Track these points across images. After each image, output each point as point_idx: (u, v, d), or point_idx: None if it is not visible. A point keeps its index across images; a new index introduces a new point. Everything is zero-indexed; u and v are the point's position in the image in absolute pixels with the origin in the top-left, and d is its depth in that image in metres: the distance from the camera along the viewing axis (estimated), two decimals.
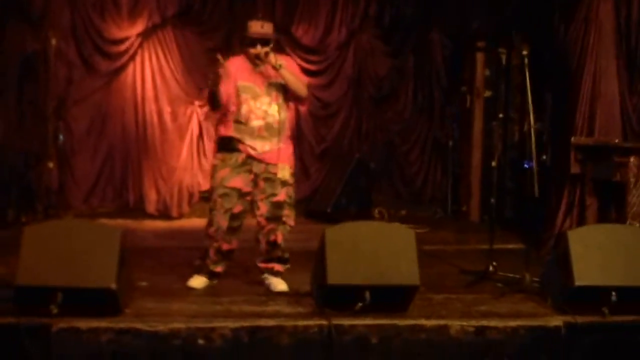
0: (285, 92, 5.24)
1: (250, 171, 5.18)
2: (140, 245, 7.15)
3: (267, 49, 5.09)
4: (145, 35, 9.22)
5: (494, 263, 5.80)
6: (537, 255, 6.34)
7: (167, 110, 9.29)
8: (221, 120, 5.32)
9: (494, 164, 7.12)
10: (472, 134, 9.50)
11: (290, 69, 5.22)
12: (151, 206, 9.14)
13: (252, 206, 5.27)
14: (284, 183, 5.22)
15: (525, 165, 8.19)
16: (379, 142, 10.09)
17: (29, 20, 8.44)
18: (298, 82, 5.23)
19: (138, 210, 9.15)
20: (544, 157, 7.67)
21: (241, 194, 5.17)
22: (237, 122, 5.18)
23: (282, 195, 5.22)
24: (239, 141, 5.16)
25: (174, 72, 9.28)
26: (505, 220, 8.41)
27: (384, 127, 10.13)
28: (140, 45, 9.24)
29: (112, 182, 9.29)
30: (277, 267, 5.37)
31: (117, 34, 9.13)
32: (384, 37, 10.02)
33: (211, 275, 5.33)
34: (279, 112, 5.20)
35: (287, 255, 5.41)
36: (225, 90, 5.10)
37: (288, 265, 5.43)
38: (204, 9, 9.18)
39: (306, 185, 9.80)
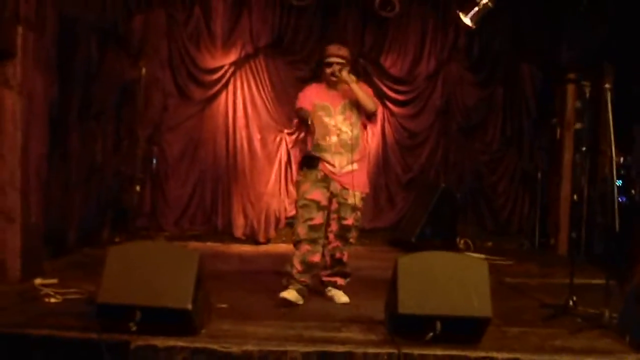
0: (358, 111, 5.71)
1: (327, 188, 5.67)
2: (226, 269, 7.38)
3: (340, 66, 5.60)
4: (238, 64, 9.49)
5: (574, 297, 5.70)
6: (621, 291, 6.19)
7: (257, 137, 9.50)
8: (303, 142, 5.94)
9: (575, 197, 7.01)
10: (562, 166, 9.38)
11: (364, 89, 5.71)
12: (239, 230, 9.35)
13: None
14: (353, 208, 5.69)
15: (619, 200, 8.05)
16: (466, 173, 10.06)
17: (127, 49, 8.84)
18: (367, 97, 5.68)
19: (226, 234, 9.38)
20: (633, 191, 7.51)
21: (320, 207, 5.63)
22: (316, 140, 5.71)
23: (350, 219, 5.70)
24: (319, 159, 5.67)
25: (265, 101, 9.50)
26: (593, 255, 8.24)
27: (472, 157, 10.09)
28: (233, 74, 9.51)
29: (202, 206, 9.53)
30: (340, 280, 5.90)
31: (211, 63, 9.42)
32: (472, 68, 10.03)
33: (300, 289, 5.64)
34: (352, 129, 5.67)
35: (349, 269, 5.93)
36: (306, 100, 5.76)
37: (349, 279, 5.92)
38: (296, 40, 9.38)
39: (392, 214, 9.88)
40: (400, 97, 9.88)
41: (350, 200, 5.65)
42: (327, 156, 5.64)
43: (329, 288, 5.89)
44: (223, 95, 9.53)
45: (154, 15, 9.18)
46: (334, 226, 5.70)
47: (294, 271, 5.64)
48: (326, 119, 5.66)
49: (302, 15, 9.33)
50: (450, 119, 10.03)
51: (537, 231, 9.75)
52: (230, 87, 9.52)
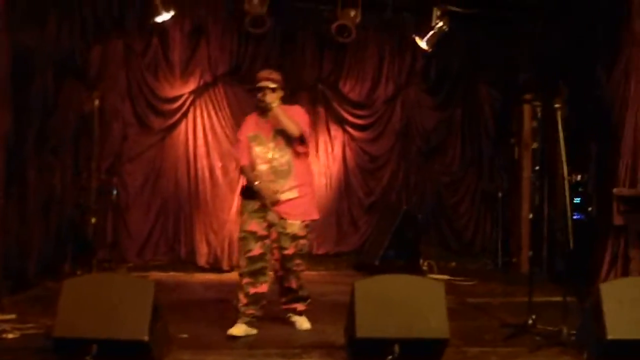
0: (288, 136, 5.58)
1: (264, 218, 5.54)
2: (189, 298, 7.36)
3: (271, 89, 5.50)
4: (197, 93, 9.49)
5: (534, 316, 5.75)
6: (580, 308, 6.25)
7: (218, 165, 9.49)
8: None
9: (531, 216, 7.10)
10: (521, 185, 9.49)
11: (292, 114, 5.59)
12: (202, 259, 9.29)
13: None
14: (293, 237, 5.57)
15: (575, 217, 8.15)
16: (428, 195, 10.14)
17: (85, 80, 8.80)
18: (290, 122, 5.53)
19: (190, 263, 9.31)
20: (590, 208, 7.62)
21: (257, 237, 5.51)
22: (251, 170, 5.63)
23: (291, 249, 5.58)
24: (256, 190, 5.54)
25: (225, 128, 9.49)
26: (555, 272, 8.32)
27: (433, 179, 10.19)
28: (192, 103, 9.50)
29: (164, 235, 9.47)
30: (299, 307, 5.84)
31: (170, 92, 9.40)
32: (430, 91, 10.15)
33: (249, 322, 5.52)
34: (281, 155, 5.59)
35: (306, 293, 5.84)
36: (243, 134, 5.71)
37: (309, 301, 5.87)
38: (254, 67, 9.34)
39: (355, 238, 9.91)
40: (359, 122, 9.96)
41: (289, 230, 5.54)
42: (262, 185, 5.55)
43: (290, 315, 5.86)
44: (183, 124, 9.52)
45: (112, 45, 9.16)
46: (276, 254, 5.64)
47: (240, 305, 5.53)
48: (257, 149, 5.60)
49: (259, 43, 9.37)
50: (410, 142, 10.12)
51: (500, 250, 9.84)
52: (190, 115, 9.52)
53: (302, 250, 5.65)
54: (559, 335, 5.34)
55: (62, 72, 8.19)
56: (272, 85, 5.53)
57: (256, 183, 5.51)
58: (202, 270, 9.19)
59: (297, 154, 5.65)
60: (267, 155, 5.57)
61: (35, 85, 7.57)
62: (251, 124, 5.71)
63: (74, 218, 8.62)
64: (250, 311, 5.53)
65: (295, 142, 5.63)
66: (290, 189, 5.57)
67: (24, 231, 7.35)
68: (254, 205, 5.55)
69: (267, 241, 5.56)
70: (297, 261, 5.62)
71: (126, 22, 9.11)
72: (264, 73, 5.65)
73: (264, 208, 5.52)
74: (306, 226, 5.64)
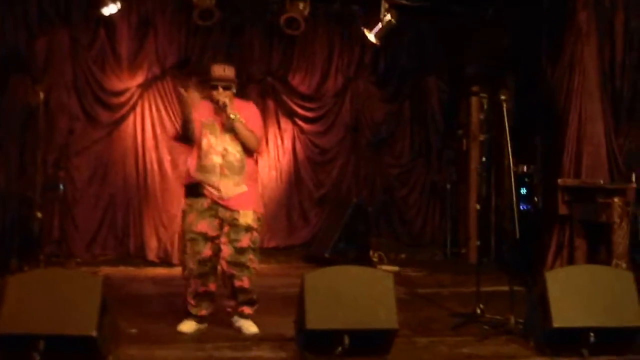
0: None
1: (215, 216, 5.28)
2: (138, 292, 7.28)
3: (225, 100, 5.24)
4: (145, 86, 9.39)
5: (481, 305, 5.85)
6: (527, 296, 6.36)
7: (167, 158, 9.41)
8: (187, 167, 5.45)
9: (478, 207, 7.20)
10: (469, 177, 9.61)
11: (248, 118, 5.36)
12: (152, 253, 9.20)
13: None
14: (247, 229, 5.29)
15: (522, 207, 8.28)
16: (378, 187, 10.22)
17: (30, 73, 8.65)
18: (250, 136, 5.34)
19: (139, 258, 9.20)
20: (536, 199, 7.75)
21: (207, 238, 5.27)
22: (200, 161, 5.32)
23: (245, 240, 5.29)
24: (204, 186, 5.27)
25: (174, 122, 9.40)
26: (503, 262, 8.44)
27: (382, 171, 10.26)
28: (140, 96, 9.41)
29: (113, 230, 9.36)
30: (247, 309, 5.48)
31: (118, 85, 9.29)
32: (379, 84, 10.21)
33: (199, 319, 5.41)
34: (238, 151, 5.33)
35: (255, 296, 5.49)
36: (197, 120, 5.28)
37: (256, 306, 5.53)
38: (202, 60, 9.33)
39: (305, 230, 9.94)
40: (309, 114, 9.99)
41: (242, 220, 5.26)
42: (212, 179, 5.27)
43: (236, 318, 5.49)
44: (131, 117, 9.41)
45: (57, 38, 8.99)
46: (226, 252, 5.28)
47: (189, 306, 5.38)
48: (211, 139, 5.29)
49: (208, 35, 9.31)
50: (359, 135, 10.17)
51: (449, 241, 9.96)
52: (138, 109, 9.42)
53: (255, 244, 5.35)
54: (506, 324, 5.45)
55: (7, 66, 8.07)
56: (226, 85, 5.31)
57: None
58: (152, 264, 9.07)
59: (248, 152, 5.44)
60: (222, 147, 5.29)
61: None
62: (207, 109, 5.34)
63: (19, 213, 8.47)
64: (202, 312, 5.39)
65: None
66: (241, 184, 5.32)
67: None
68: (203, 203, 5.27)
69: (217, 241, 5.29)
70: (251, 256, 5.32)
71: (72, 14, 8.97)
72: (218, 70, 5.39)
73: (214, 205, 5.26)
74: (258, 219, 5.38)
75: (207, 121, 5.32)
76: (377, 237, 9.80)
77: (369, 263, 8.80)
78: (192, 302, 5.36)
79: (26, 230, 8.45)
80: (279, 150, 9.91)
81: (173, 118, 9.42)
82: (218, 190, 5.27)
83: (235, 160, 5.32)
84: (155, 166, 9.40)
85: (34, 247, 8.23)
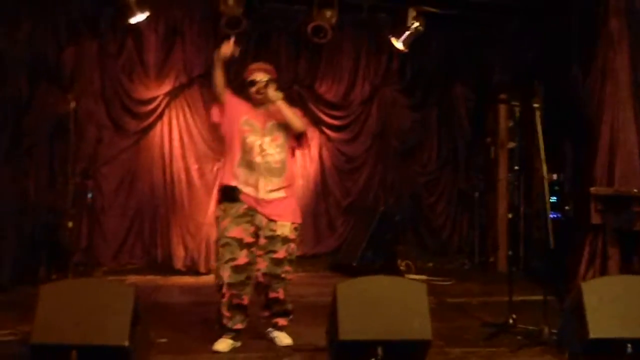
0: (286, 133, 5.27)
1: (251, 223, 5.13)
2: (166, 301, 7.29)
3: (266, 79, 5.21)
4: (172, 94, 9.42)
5: (514, 316, 5.77)
6: (560, 307, 6.28)
7: (194, 167, 9.42)
8: (223, 168, 5.38)
9: (510, 215, 7.12)
10: (497, 185, 9.51)
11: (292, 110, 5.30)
12: (179, 262, 9.20)
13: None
14: (284, 240, 5.17)
15: (552, 216, 8.18)
16: (405, 195, 10.15)
17: (59, 83, 8.70)
18: (295, 115, 5.25)
19: (166, 266, 9.20)
20: (567, 207, 7.66)
21: (243, 245, 5.09)
22: (239, 160, 5.19)
23: (282, 252, 5.17)
24: (240, 191, 5.13)
25: (200, 130, 9.43)
26: (532, 271, 8.35)
27: (409, 179, 10.19)
28: (168, 105, 9.43)
29: (140, 238, 9.39)
30: (281, 321, 5.39)
31: (145, 94, 9.32)
32: (407, 91, 10.16)
33: (234, 335, 5.21)
34: (279, 152, 5.22)
35: (290, 307, 5.40)
36: (231, 106, 5.21)
37: (291, 317, 5.44)
38: (229, 69, 9.29)
39: (332, 239, 9.89)
40: (336, 122, 9.95)
41: (280, 232, 5.13)
42: (251, 178, 5.14)
43: (270, 329, 5.41)
44: (158, 126, 9.44)
45: (86, 47, 9.05)
46: (261, 264, 5.15)
47: (224, 320, 5.16)
48: (252, 138, 5.16)
49: (235, 44, 9.28)
50: (386, 142, 10.12)
51: (477, 250, 9.86)
52: (165, 117, 9.44)
53: (292, 255, 5.23)
54: (540, 335, 5.38)
55: (36, 75, 8.12)
56: (265, 78, 5.23)
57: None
58: (179, 273, 9.07)
59: (289, 153, 5.34)
60: (262, 148, 5.15)
61: (9, 88, 7.50)
62: (245, 106, 5.26)
63: (48, 222, 8.50)
64: (237, 326, 5.18)
65: (292, 139, 5.33)
66: (279, 189, 5.19)
67: None
68: (239, 208, 5.10)
69: (253, 249, 5.13)
70: (287, 267, 5.20)
71: (100, 23, 9.03)
72: (256, 65, 5.40)
73: (250, 210, 5.10)
74: (295, 229, 5.24)
75: (246, 118, 5.21)
76: (405, 246, 9.73)
77: (397, 272, 8.74)
78: (227, 314, 5.14)
79: (55, 238, 8.50)
80: (305, 158, 9.87)
81: (200, 126, 9.43)
82: (255, 189, 5.14)
83: (275, 161, 5.18)
84: (183, 175, 9.40)
85: (63, 255, 8.27)
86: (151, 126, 9.41)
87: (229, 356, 4.97)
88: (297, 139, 5.37)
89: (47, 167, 8.55)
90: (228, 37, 5.15)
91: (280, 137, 5.24)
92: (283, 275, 5.22)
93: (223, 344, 5.15)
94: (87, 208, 8.95)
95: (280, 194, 5.21)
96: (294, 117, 5.23)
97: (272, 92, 5.16)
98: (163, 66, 9.32)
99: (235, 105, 5.25)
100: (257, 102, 5.26)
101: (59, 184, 8.69)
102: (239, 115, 5.21)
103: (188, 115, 9.46)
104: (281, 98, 5.16)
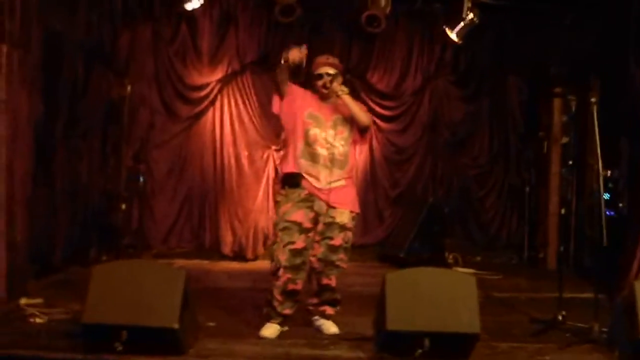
0: (350, 127, 5.32)
1: (311, 208, 5.17)
2: (214, 286, 7.37)
3: (332, 73, 5.23)
4: (224, 81, 9.48)
5: (563, 312, 5.70)
6: (610, 305, 6.18)
7: (244, 154, 9.48)
8: (285, 158, 5.38)
9: (563, 211, 7.02)
10: (549, 180, 9.38)
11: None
12: (227, 247, 9.29)
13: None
14: (342, 227, 5.19)
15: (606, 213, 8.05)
16: (454, 187, 10.06)
17: (113, 68, 8.82)
18: (361, 110, 5.30)
19: (214, 251, 9.31)
20: (621, 204, 7.53)
21: (302, 229, 5.13)
22: (302, 150, 5.22)
23: (338, 239, 5.19)
24: (302, 177, 5.18)
25: (252, 117, 9.48)
26: (583, 268, 8.23)
27: (460, 172, 10.10)
28: (220, 91, 9.50)
29: (190, 223, 9.49)
30: (329, 310, 5.41)
31: (198, 80, 9.40)
32: (459, 83, 10.05)
33: (282, 320, 5.24)
34: (343, 145, 5.26)
35: (338, 296, 5.42)
36: (295, 97, 5.24)
37: (338, 308, 5.46)
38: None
39: (380, 229, 9.87)
40: (387, 113, 9.90)
41: (339, 219, 5.17)
42: (313, 169, 5.18)
43: (317, 317, 5.41)
44: (210, 112, 9.51)
45: (140, 32, 9.18)
46: (317, 250, 5.19)
47: (275, 303, 5.16)
48: (316, 130, 5.20)
49: (288, 32, 9.30)
50: (437, 134, 10.04)
51: (526, 245, 9.72)
52: (217, 103, 9.51)
53: (348, 244, 5.25)
54: (589, 333, 5.28)
55: (92, 59, 8.21)
56: (332, 71, 5.24)
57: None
58: (227, 258, 9.19)
59: (352, 146, 5.41)
60: (326, 140, 5.20)
61: (65, 71, 7.59)
62: (310, 99, 5.29)
63: (100, 204, 8.64)
64: (286, 311, 5.20)
65: (356, 133, 5.36)
66: (340, 179, 5.23)
67: (51, 217, 7.39)
68: (300, 193, 5.15)
69: (311, 234, 5.17)
70: (342, 255, 5.22)
71: (155, 9, 9.13)
72: (322, 59, 5.34)
73: (310, 196, 5.15)
74: (353, 218, 5.29)
75: (313, 112, 5.25)
76: (452, 239, 9.66)
77: (444, 264, 8.70)
78: (279, 298, 5.15)
79: (106, 221, 8.64)
80: (355, 148, 9.81)
81: (251, 113, 9.49)
82: (317, 180, 5.18)
83: (339, 154, 5.22)
84: (233, 161, 9.47)
85: (113, 237, 8.41)
86: (203, 112, 9.49)
87: (275, 342, 4.99)
88: (361, 133, 5.41)
89: (100, 150, 8.67)
90: (299, 43, 5.10)
91: (345, 131, 5.29)
92: (337, 263, 5.23)
93: (270, 330, 5.19)
94: (138, 191, 9.09)
95: (342, 182, 5.25)
96: (360, 112, 5.27)
97: (338, 87, 5.18)
98: (216, 52, 9.38)
99: (299, 97, 5.28)
100: (323, 95, 5.28)
101: (111, 167, 8.84)
102: (303, 108, 5.24)
103: (240, 102, 9.51)
104: (347, 93, 5.20)
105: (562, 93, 9.15)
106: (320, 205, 5.18)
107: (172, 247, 9.34)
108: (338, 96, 5.18)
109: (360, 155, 9.79)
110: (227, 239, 9.33)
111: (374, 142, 9.88)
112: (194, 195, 9.49)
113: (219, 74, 9.41)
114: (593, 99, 5.50)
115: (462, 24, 8.81)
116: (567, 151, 9.14)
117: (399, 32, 9.74)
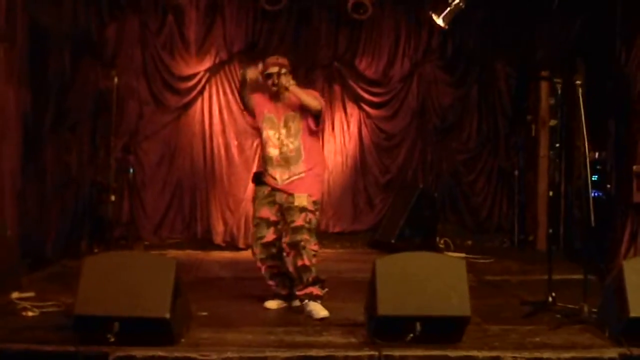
0: (301, 119, 5.58)
1: (274, 202, 5.60)
2: (206, 276, 7.41)
3: (276, 70, 5.53)
4: (212, 71, 9.47)
5: (553, 294, 5.73)
6: (600, 286, 6.22)
7: (234, 143, 9.48)
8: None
9: (551, 193, 7.05)
10: (538, 163, 9.42)
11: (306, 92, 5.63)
12: (218, 237, 9.32)
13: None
14: (302, 209, 5.48)
15: (593, 194, 8.09)
16: (444, 173, 10.08)
17: (101, 59, 8.81)
18: (309, 96, 5.55)
19: (206, 241, 9.33)
20: (608, 186, 7.57)
21: (270, 223, 5.61)
22: (261, 153, 5.86)
23: (299, 221, 5.45)
24: (264, 174, 5.67)
25: (241, 106, 9.43)
26: (572, 250, 8.28)
27: (449, 157, 10.11)
28: (208, 81, 9.49)
29: (181, 213, 9.50)
30: (315, 290, 5.57)
31: (186, 70, 9.39)
32: (447, 68, 10.04)
33: (283, 297, 5.80)
34: (292, 141, 5.57)
35: (322, 277, 5.64)
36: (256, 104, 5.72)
37: (327, 289, 5.65)
38: (269, 45, 9.31)
39: (371, 216, 9.89)
40: (375, 99, 9.90)
41: (297, 202, 5.47)
42: (271, 169, 5.61)
43: (306, 302, 5.55)
44: (199, 102, 9.51)
45: (127, 23, 9.15)
46: (286, 236, 5.52)
47: (272, 288, 5.80)
48: (270, 132, 5.59)
49: (275, 20, 9.31)
50: (426, 120, 10.03)
51: (516, 228, 9.75)
52: (206, 93, 9.51)
53: (311, 225, 5.50)
54: (579, 313, 5.33)
55: (79, 51, 8.21)
56: (283, 70, 5.53)
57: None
58: (218, 248, 9.20)
59: (308, 137, 5.61)
60: (280, 140, 5.58)
61: (53, 63, 7.58)
62: (267, 103, 5.67)
63: (90, 196, 8.64)
64: (283, 291, 5.77)
65: (309, 121, 5.58)
66: (298, 173, 5.57)
67: (42, 210, 7.39)
68: (264, 190, 5.64)
69: (280, 226, 5.59)
70: (306, 236, 5.44)
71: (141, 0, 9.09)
72: (272, 59, 5.67)
73: (272, 192, 5.58)
74: (314, 202, 5.55)
75: (267, 115, 5.62)
76: (443, 223, 9.72)
77: (435, 249, 8.74)
78: (272, 282, 5.75)
79: (97, 213, 8.64)
80: (344, 135, 9.86)
81: (240, 102, 9.44)
82: (274, 178, 5.60)
83: (290, 150, 5.56)
84: (223, 151, 9.48)
85: (105, 229, 8.40)
86: (192, 102, 9.48)
87: (268, 330, 5.01)
88: (315, 119, 5.62)
89: (89, 142, 8.68)
90: (256, 63, 5.66)
91: (293, 127, 5.59)
92: (303, 243, 5.44)
93: (272, 303, 5.80)
94: (128, 183, 9.10)
95: (299, 176, 5.58)
96: (308, 98, 5.53)
97: (285, 80, 5.51)
98: (203, 42, 9.37)
99: (259, 105, 5.71)
100: (275, 94, 5.62)
101: (100, 159, 8.82)
102: (262, 113, 5.68)
103: (228, 91, 9.51)
104: (293, 84, 5.51)
105: (548, 76, 9.16)
106: (280, 196, 5.58)
107: (164, 238, 9.35)
108: (287, 89, 5.49)
109: (349, 142, 9.82)
110: (219, 228, 9.35)
111: (363, 129, 9.90)
112: (184, 186, 9.49)
113: (207, 64, 9.40)
114: (578, 82, 5.52)
115: (448, 9, 8.77)
116: (555, 134, 9.18)
117: (385, 19, 9.71)
